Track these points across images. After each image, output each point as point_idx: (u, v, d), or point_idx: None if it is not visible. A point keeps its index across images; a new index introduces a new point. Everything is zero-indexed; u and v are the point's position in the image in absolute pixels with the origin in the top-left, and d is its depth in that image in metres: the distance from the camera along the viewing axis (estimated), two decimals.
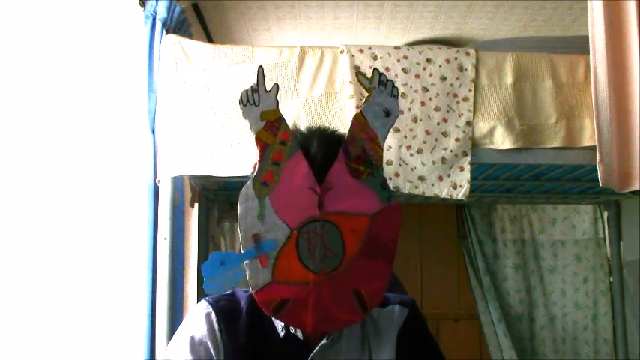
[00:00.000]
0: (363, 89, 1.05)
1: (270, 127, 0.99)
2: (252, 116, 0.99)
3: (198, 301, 2.43)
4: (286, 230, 0.96)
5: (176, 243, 1.94)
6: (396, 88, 1.05)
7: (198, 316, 1.05)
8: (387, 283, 1.00)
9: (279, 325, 1.03)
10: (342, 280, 0.96)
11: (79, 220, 1.64)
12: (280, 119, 1.00)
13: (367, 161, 1.00)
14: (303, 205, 0.96)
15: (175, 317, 1.91)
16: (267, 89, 1.00)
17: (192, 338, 1.02)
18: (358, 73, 1.06)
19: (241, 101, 1.00)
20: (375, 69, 1.07)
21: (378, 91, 1.04)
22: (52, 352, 1.48)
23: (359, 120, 1.02)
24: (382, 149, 1.03)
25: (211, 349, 1.01)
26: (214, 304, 1.05)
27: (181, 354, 1.02)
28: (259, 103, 0.99)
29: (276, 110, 1.00)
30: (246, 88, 1.00)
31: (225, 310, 1.05)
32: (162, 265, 1.88)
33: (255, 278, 0.95)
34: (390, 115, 1.04)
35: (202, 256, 2.61)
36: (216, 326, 1.03)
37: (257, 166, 0.98)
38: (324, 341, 1.01)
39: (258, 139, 0.98)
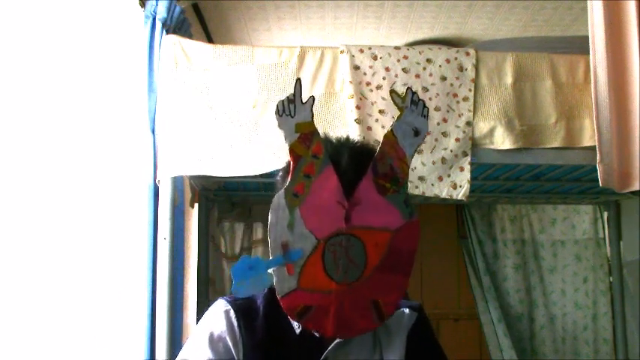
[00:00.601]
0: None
1: (304, 140, 1.02)
2: (288, 127, 1.01)
3: (198, 301, 2.45)
4: (314, 241, 1.00)
5: (176, 243, 1.94)
6: (427, 108, 1.09)
7: (217, 314, 1.07)
8: (403, 295, 1.05)
9: (295, 322, 1.06)
10: (363, 290, 1.01)
11: (80, 220, 1.64)
12: (314, 132, 1.03)
13: (394, 178, 1.04)
14: (331, 218, 1.00)
15: (175, 317, 1.91)
16: (303, 101, 1.03)
17: (211, 335, 1.04)
18: (392, 91, 1.10)
19: (277, 112, 1.02)
20: (408, 88, 1.10)
21: (410, 110, 1.07)
22: (52, 352, 1.48)
23: (389, 138, 1.06)
24: (409, 167, 1.06)
25: (230, 345, 1.04)
26: (232, 303, 1.08)
27: (200, 351, 1.04)
28: (295, 114, 1.02)
29: (311, 123, 1.03)
30: (283, 99, 1.02)
31: (243, 308, 1.08)
32: (162, 265, 1.87)
33: (282, 284, 1.00)
34: (418, 134, 1.07)
35: (202, 256, 2.61)
36: (235, 323, 1.05)
37: (290, 177, 1.01)
38: (338, 340, 1.05)
39: (292, 151, 1.01)
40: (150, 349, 1.82)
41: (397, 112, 1.08)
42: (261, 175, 1.91)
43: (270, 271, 1.00)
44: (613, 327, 3.09)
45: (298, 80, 1.04)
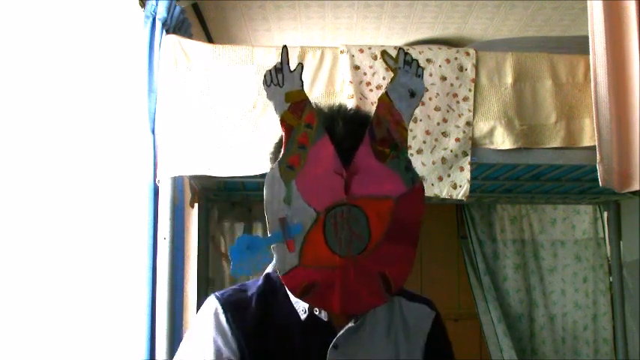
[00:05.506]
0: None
1: (295, 109, 0.97)
2: (277, 98, 0.97)
3: (198, 301, 2.45)
4: (313, 214, 0.95)
5: (176, 243, 1.94)
6: (421, 67, 1.03)
7: (206, 315, 1.04)
8: (412, 266, 0.99)
9: (300, 307, 1.03)
10: (368, 263, 0.96)
11: (80, 219, 1.64)
12: (305, 101, 0.98)
13: (392, 143, 0.99)
14: (330, 189, 0.95)
15: (175, 317, 1.91)
16: (291, 69, 0.98)
17: (201, 339, 1.01)
18: (384, 52, 1.04)
19: (265, 82, 0.97)
20: (400, 48, 1.04)
21: (403, 71, 1.02)
22: (52, 352, 1.48)
23: (384, 101, 1.01)
24: (407, 130, 1.01)
25: (221, 345, 1.00)
26: (221, 298, 1.05)
27: (192, 355, 1.01)
28: (284, 83, 0.97)
29: (301, 91, 0.98)
30: (270, 68, 0.97)
31: (232, 301, 1.04)
32: (162, 265, 1.88)
33: (283, 262, 0.95)
34: (414, 95, 1.02)
35: (202, 256, 2.61)
36: (223, 319, 1.01)
37: (283, 149, 0.96)
38: (350, 324, 1.01)
39: (283, 122, 0.96)
40: (150, 349, 1.82)
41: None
42: (261, 175, 1.91)
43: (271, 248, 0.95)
44: (613, 327, 3.09)
45: (284, 47, 0.98)
